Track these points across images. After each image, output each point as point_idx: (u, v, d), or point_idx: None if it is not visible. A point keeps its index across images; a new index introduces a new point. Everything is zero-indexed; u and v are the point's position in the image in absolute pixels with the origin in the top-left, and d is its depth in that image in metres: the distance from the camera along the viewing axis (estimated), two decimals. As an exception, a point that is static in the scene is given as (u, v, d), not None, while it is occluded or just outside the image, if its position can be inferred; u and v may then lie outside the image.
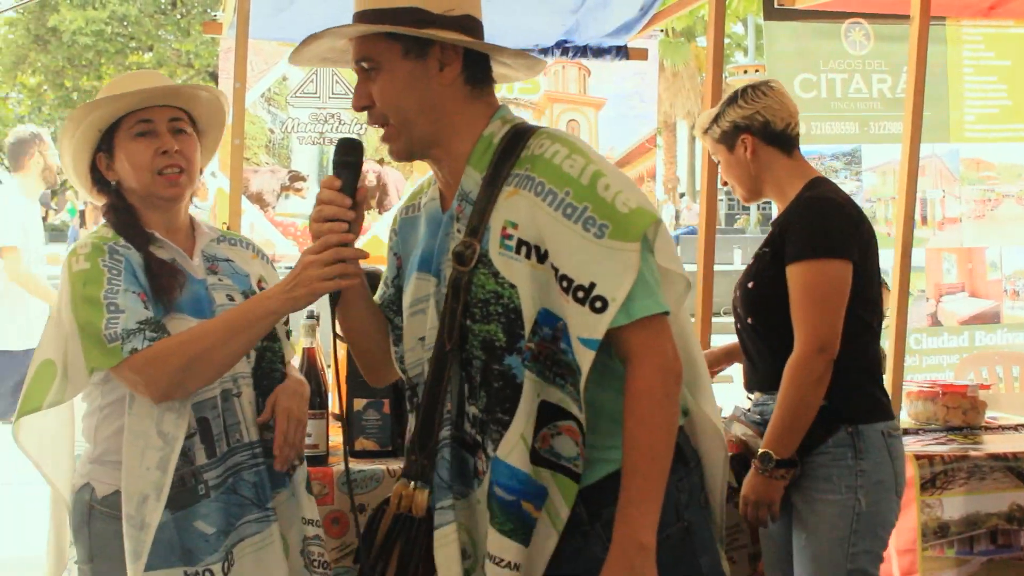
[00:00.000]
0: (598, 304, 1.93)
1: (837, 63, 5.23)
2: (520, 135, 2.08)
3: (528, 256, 1.99)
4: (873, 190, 5.43)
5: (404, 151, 2.12)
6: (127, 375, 2.33)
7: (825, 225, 2.95)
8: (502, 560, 2.02)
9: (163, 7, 29.04)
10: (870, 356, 3.06)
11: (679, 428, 2.07)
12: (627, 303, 1.94)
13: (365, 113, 2.13)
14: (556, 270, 1.97)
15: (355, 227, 2.15)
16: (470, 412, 2.07)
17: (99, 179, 2.56)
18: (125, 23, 28.28)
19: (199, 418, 2.40)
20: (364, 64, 2.08)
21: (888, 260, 4.27)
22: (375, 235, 4.99)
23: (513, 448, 2.00)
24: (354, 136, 2.38)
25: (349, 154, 2.17)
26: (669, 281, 2.05)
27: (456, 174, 2.09)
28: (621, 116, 5.27)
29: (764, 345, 3.07)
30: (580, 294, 1.94)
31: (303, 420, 2.54)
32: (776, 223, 3.08)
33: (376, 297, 2.34)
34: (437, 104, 2.07)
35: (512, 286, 2.00)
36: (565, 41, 4.95)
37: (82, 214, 15.49)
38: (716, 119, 3.18)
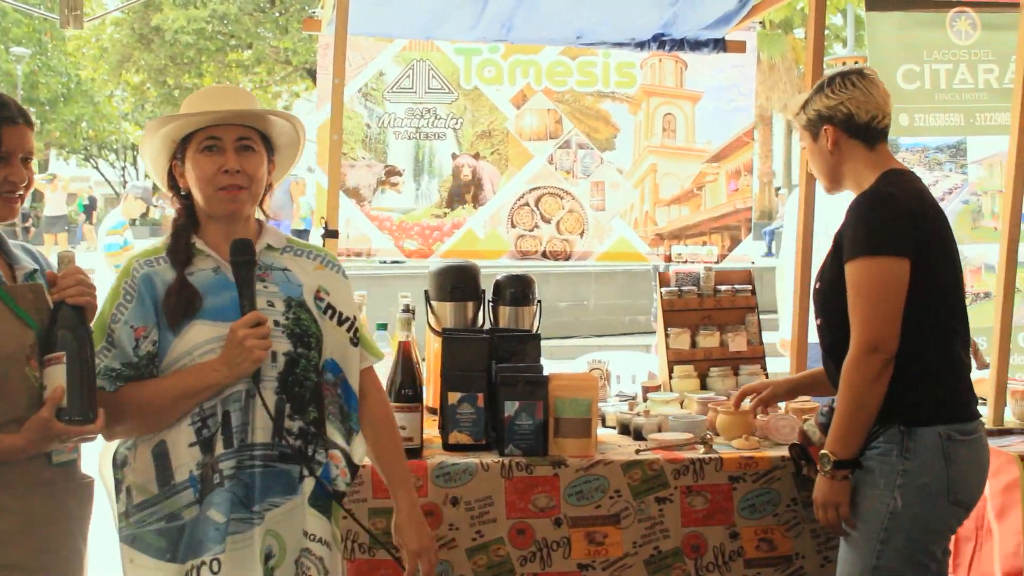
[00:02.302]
0: None
1: (941, 53, 5.10)
2: None
3: None
4: (980, 183, 5.28)
5: None
6: None
7: (878, 221, 2.87)
8: None
9: (262, 5, 29.51)
10: (935, 355, 2.93)
11: None
12: None
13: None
14: None
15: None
16: None
17: (174, 184, 2.69)
18: (225, 21, 28.82)
19: (224, 411, 2.53)
20: None
21: (994, 255, 4.15)
22: (469, 229, 5.00)
23: None
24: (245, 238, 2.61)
25: (244, 253, 2.55)
26: None
27: None
28: (719, 110, 5.19)
29: (835, 345, 3.00)
30: None
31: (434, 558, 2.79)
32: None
33: None
34: None
35: None
36: (662, 34, 4.89)
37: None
38: (804, 105, 3.14)
